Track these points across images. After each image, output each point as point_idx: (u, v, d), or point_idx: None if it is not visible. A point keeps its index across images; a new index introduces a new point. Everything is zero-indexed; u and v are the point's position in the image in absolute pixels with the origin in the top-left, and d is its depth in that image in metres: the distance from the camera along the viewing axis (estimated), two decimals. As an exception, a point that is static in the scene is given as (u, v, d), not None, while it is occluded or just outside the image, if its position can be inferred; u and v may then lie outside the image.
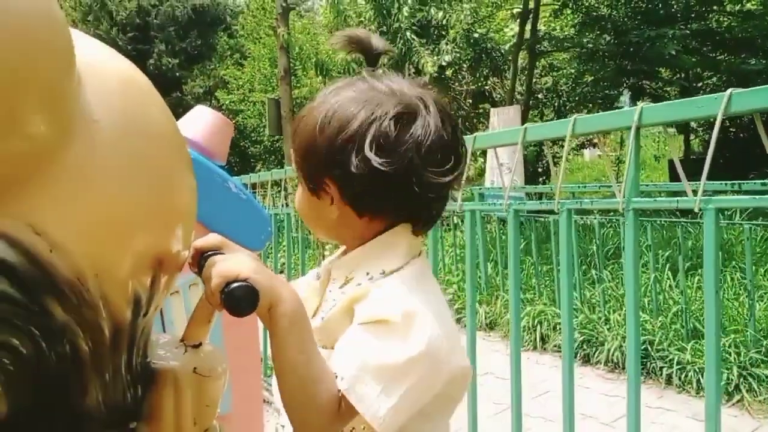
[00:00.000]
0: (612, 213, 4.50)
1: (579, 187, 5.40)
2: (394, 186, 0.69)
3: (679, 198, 1.25)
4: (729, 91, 1.12)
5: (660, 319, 3.75)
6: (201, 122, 1.54)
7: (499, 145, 1.81)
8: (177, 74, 16.85)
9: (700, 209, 1.18)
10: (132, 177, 0.48)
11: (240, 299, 0.56)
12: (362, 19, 9.45)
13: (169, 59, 16.92)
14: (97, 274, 0.45)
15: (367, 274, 0.73)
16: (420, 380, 0.65)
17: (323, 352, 0.67)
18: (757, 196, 1.19)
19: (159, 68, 16.71)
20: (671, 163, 12.52)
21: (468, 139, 1.76)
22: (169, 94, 15.87)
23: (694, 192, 1.22)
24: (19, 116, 0.40)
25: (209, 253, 0.67)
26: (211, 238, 0.69)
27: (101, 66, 0.49)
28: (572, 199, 1.60)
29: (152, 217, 0.49)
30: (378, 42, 0.80)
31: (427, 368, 0.65)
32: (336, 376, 0.64)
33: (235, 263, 0.59)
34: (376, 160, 0.67)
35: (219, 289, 0.56)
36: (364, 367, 0.63)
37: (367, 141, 0.68)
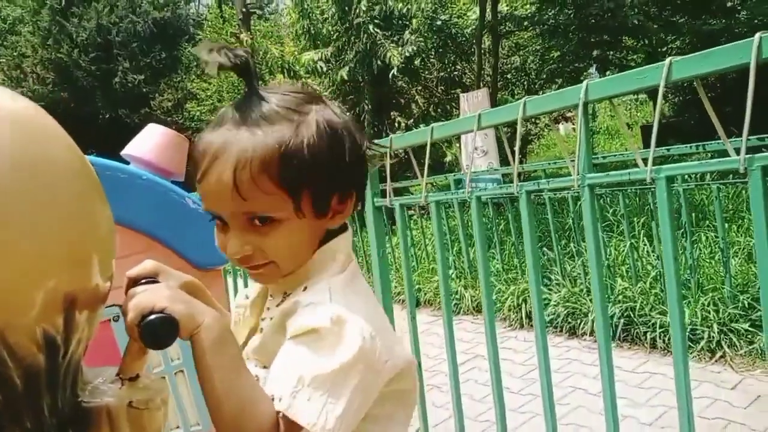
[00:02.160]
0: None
1: (549, 164, 5.43)
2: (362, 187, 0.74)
3: (630, 170, 1.26)
4: (668, 59, 1.13)
5: (639, 285, 3.80)
6: (152, 141, 1.51)
7: (455, 134, 1.81)
8: (144, 90, 16.59)
9: (652, 179, 1.19)
10: (32, 216, 0.46)
11: (157, 331, 0.55)
12: (326, 16, 9.38)
13: (135, 75, 16.65)
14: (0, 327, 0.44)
15: (305, 288, 0.71)
16: (360, 383, 0.64)
17: (262, 372, 0.66)
18: (703, 161, 1.21)
19: (125, 86, 16.45)
20: (643, 129, 12.67)
21: (426, 131, 1.76)
22: (137, 110, 15.64)
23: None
24: None
25: (144, 281, 0.66)
26: (146, 265, 0.68)
27: (-14, 107, 0.48)
28: (530, 181, 1.61)
29: (57, 257, 0.48)
30: (231, 53, 0.69)
31: (365, 370, 0.64)
32: (272, 398, 0.62)
33: (151, 294, 0.58)
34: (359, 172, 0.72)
35: (135, 323, 0.55)
36: (301, 381, 0.62)
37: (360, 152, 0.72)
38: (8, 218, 0.45)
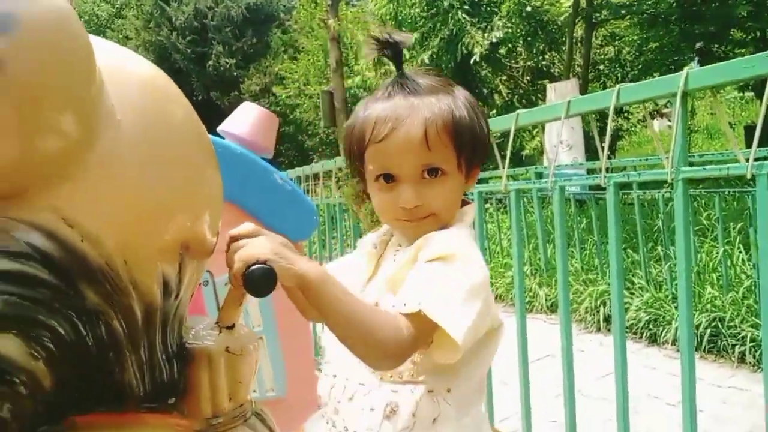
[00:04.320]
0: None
1: (640, 160, 5.15)
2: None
3: (729, 165, 1.19)
4: (781, 48, 1.05)
5: (731, 294, 3.55)
6: (246, 118, 1.60)
7: (541, 121, 1.77)
8: (234, 74, 17.37)
9: (752, 175, 1.12)
10: (155, 170, 0.52)
11: (259, 281, 0.59)
12: (414, 1, 9.34)
13: (227, 59, 17.47)
14: (126, 260, 0.49)
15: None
16: (484, 304, 0.71)
17: (390, 296, 0.74)
18: (817, 159, 1.11)
19: (217, 69, 17.31)
20: (747, 129, 11.71)
21: (510, 117, 1.73)
22: (227, 93, 16.41)
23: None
24: (49, 119, 0.44)
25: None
26: (245, 227, 0.73)
27: (122, 69, 0.54)
28: (619, 173, 1.55)
29: (176, 206, 0.53)
30: (398, 36, 0.85)
31: (486, 299, 0.72)
32: (405, 304, 0.69)
33: (255, 247, 0.62)
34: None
35: (240, 273, 0.60)
36: (437, 289, 0.69)
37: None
38: (138, 170, 0.51)
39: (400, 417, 0.74)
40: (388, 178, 0.81)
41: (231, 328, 0.66)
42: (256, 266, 0.59)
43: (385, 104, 0.81)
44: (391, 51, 0.84)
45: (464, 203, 0.88)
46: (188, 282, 0.58)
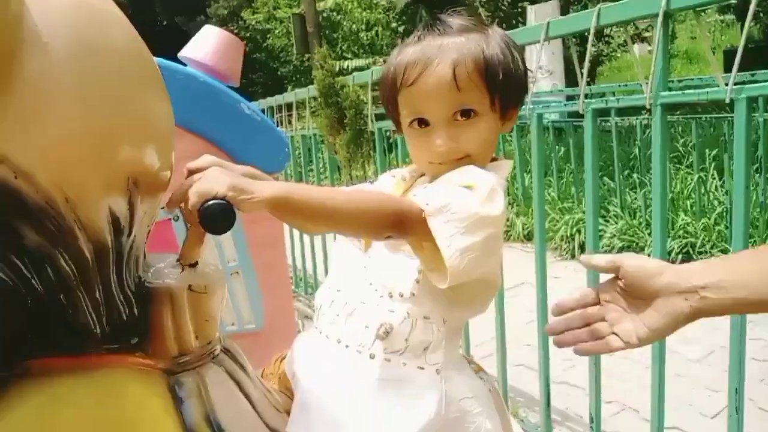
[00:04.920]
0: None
1: (620, 86, 5.10)
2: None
3: (708, 89, 1.16)
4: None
5: (703, 221, 3.64)
6: (209, 43, 1.50)
7: (521, 44, 1.70)
8: (200, -4, 16.41)
9: (731, 99, 1.10)
10: (91, 96, 0.47)
11: (215, 217, 0.56)
12: None
13: (192, -19, 16.44)
14: (66, 197, 0.46)
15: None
16: (487, 239, 0.70)
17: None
18: (797, 82, 1.09)
19: (182, -9, 16.31)
20: (726, 54, 11.63)
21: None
22: (193, 17, 15.58)
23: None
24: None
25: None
26: (203, 159, 0.69)
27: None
28: (598, 99, 1.51)
29: (118, 137, 0.49)
30: None
31: (494, 235, 0.72)
32: (423, 202, 0.69)
33: (210, 181, 0.59)
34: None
35: (195, 208, 0.57)
36: (448, 206, 0.69)
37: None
38: (71, 98, 0.46)
39: (393, 339, 0.74)
40: (422, 122, 0.80)
41: (194, 265, 0.63)
42: (212, 201, 0.56)
43: (415, 47, 0.80)
44: None
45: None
46: (142, 218, 0.55)
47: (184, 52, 1.46)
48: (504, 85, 0.78)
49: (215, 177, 0.59)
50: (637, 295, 0.69)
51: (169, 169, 0.58)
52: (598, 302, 0.73)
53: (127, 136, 0.50)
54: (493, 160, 0.85)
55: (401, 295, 0.75)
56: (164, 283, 0.59)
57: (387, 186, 0.89)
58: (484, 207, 0.71)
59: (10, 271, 0.44)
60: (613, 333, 0.70)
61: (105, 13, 0.52)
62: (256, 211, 0.61)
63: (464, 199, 0.71)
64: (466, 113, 0.78)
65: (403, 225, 0.69)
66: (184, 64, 1.44)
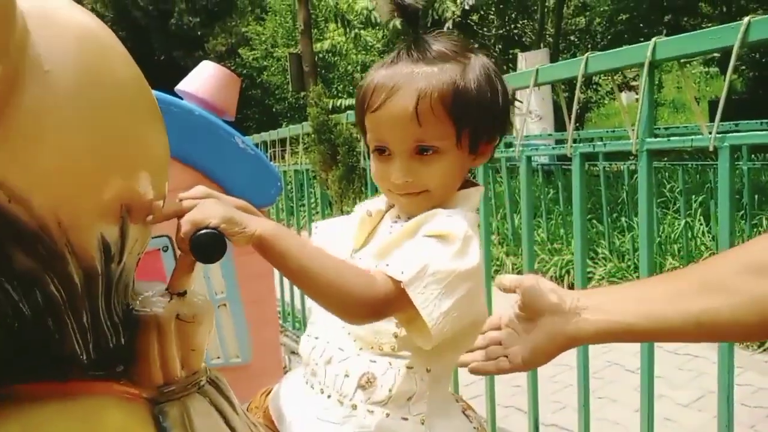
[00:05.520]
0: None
1: (607, 132, 5.22)
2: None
3: (693, 137, 1.20)
4: (747, 18, 1.05)
5: (691, 265, 3.67)
6: (206, 78, 1.53)
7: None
8: (199, 33, 16.74)
9: (715, 147, 1.13)
10: (90, 124, 0.48)
11: (206, 246, 0.57)
12: (384, -34, 9.12)
13: (190, 18, 16.78)
14: (59, 222, 0.46)
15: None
16: (466, 296, 0.68)
17: (373, 261, 0.72)
18: (777, 131, 1.13)
19: (180, 27, 16.63)
20: (711, 104, 11.96)
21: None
22: (191, 53, 15.84)
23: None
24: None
25: None
26: (197, 190, 0.70)
27: (53, 17, 0.49)
28: (586, 143, 1.55)
29: (113, 165, 0.50)
30: (404, 2, 0.79)
31: (473, 288, 0.70)
32: (397, 271, 0.67)
33: (204, 211, 0.59)
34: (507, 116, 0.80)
35: (188, 237, 0.57)
36: (424, 269, 0.66)
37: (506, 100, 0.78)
38: (70, 126, 0.47)
39: (376, 390, 0.72)
40: (383, 150, 0.76)
41: (182, 294, 0.63)
42: (204, 231, 0.56)
43: (387, 71, 0.76)
44: (403, 14, 0.78)
45: (471, 184, 0.82)
46: (132, 246, 0.55)
47: (182, 86, 1.49)
48: (475, 120, 0.74)
49: (209, 207, 0.60)
50: (529, 316, 0.69)
51: (162, 199, 0.59)
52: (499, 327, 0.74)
53: (124, 165, 0.51)
54: (466, 184, 0.81)
55: (381, 349, 0.74)
56: (152, 311, 0.59)
57: (351, 230, 0.83)
58: (460, 262, 0.68)
59: (0, 292, 0.44)
60: (504, 356, 0.70)
61: (108, 46, 0.53)
62: (244, 245, 0.62)
63: (439, 257, 0.67)
64: (427, 149, 0.74)
65: (382, 313, 0.67)
66: (181, 98, 1.47)
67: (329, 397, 0.75)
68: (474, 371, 0.73)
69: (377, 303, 0.66)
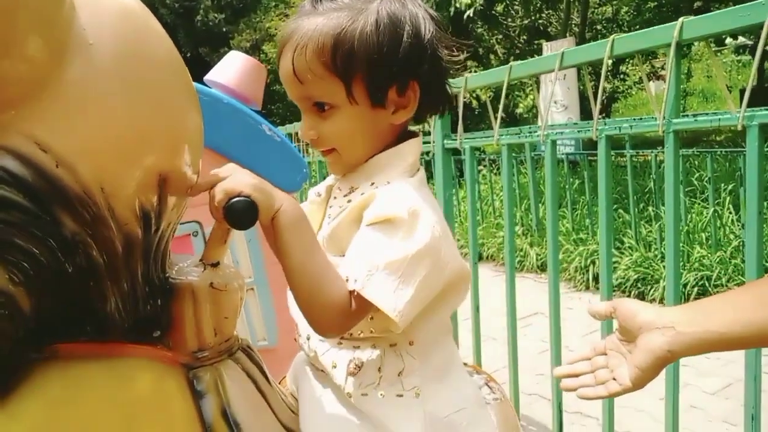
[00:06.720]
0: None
1: (634, 119, 5.12)
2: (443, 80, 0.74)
3: (721, 116, 1.18)
4: (778, -6, 1.03)
5: (719, 254, 3.60)
6: (234, 68, 1.57)
7: (535, 73, 1.74)
8: (224, 29, 16.92)
9: (743, 126, 1.11)
10: (130, 96, 0.51)
11: (240, 213, 0.59)
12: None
13: (216, 14, 16.97)
14: (102, 188, 0.49)
15: (372, 184, 0.73)
16: (428, 274, 0.67)
17: (333, 259, 0.70)
18: (808, 110, 1.10)
19: (206, 24, 16.83)
20: (742, 93, 11.59)
21: (504, 70, 1.71)
22: (217, 49, 16.03)
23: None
24: (14, 41, 0.43)
25: None
26: (228, 167, 0.72)
27: (97, -5, 0.51)
28: (611, 125, 1.54)
29: (153, 136, 0.52)
30: None
31: (431, 264, 0.67)
32: (347, 279, 0.66)
33: (238, 181, 0.62)
34: (442, 59, 0.72)
35: (222, 205, 0.60)
36: (375, 266, 0.64)
37: (435, 41, 0.72)
38: (112, 97, 0.49)
39: (366, 373, 0.72)
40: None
41: (216, 265, 0.66)
42: (237, 198, 0.59)
43: (288, 24, 0.72)
44: None
45: (411, 135, 0.76)
46: (169, 216, 0.58)
47: (210, 76, 1.53)
48: (366, 70, 0.67)
49: (240, 177, 0.62)
50: (629, 337, 0.71)
51: (197, 173, 0.61)
52: (605, 352, 0.75)
53: (161, 137, 0.53)
54: (408, 135, 0.75)
55: (360, 334, 0.73)
56: (187, 279, 0.62)
57: (309, 214, 0.79)
58: (411, 244, 0.65)
59: (47, 254, 0.47)
60: (613, 378, 0.72)
61: (148, 24, 0.56)
62: (267, 216, 0.63)
63: (387, 248, 0.65)
64: (321, 105, 0.70)
65: (348, 325, 0.67)
66: (210, 87, 1.51)
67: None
68: (584, 396, 0.74)
69: (345, 322, 0.66)
